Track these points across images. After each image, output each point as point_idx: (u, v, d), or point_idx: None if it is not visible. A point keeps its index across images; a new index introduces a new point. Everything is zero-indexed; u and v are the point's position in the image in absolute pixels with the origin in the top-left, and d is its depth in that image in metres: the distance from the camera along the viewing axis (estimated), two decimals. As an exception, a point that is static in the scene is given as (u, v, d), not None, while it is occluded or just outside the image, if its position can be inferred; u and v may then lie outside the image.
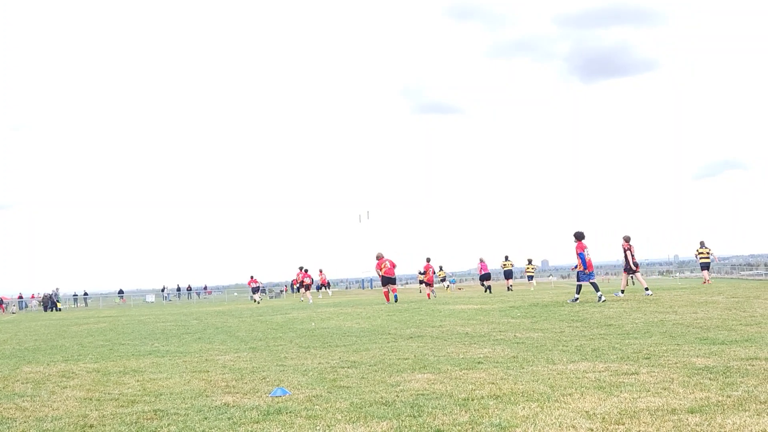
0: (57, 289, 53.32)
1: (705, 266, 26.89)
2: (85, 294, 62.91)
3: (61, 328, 18.75)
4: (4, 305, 51.54)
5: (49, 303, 48.95)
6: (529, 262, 40.20)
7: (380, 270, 22.11)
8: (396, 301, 20.94)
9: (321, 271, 40.54)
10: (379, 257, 22.33)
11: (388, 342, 10.07)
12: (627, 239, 18.53)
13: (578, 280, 16.82)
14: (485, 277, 33.16)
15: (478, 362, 7.47)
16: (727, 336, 8.69)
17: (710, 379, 5.75)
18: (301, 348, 9.90)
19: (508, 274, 35.90)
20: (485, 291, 31.16)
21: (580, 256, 16.62)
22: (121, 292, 63.65)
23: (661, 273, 72.40)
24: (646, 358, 7.13)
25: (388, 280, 22.01)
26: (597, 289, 16.26)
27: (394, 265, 22.36)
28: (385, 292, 22.12)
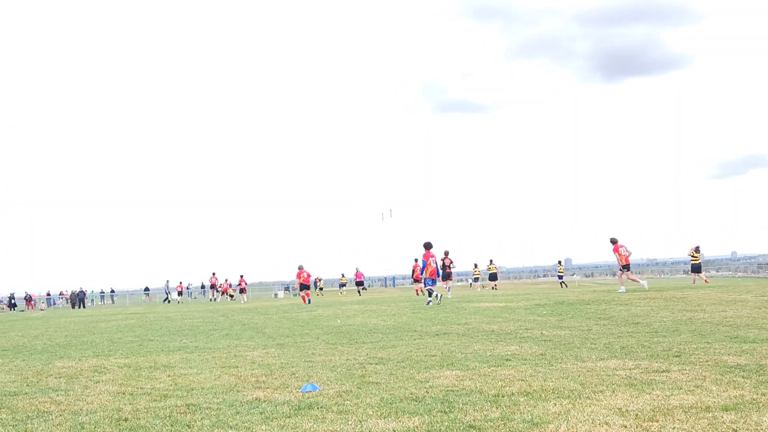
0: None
1: (696, 268, 27.53)
2: (112, 291, 63.99)
3: (90, 324, 19.04)
4: (32, 302, 52.41)
5: (77, 300, 49.66)
6: (475, 266, 45.33)
7: (299, 278, 28.43)
8: (309, 303, 26.01)
9: (220, 278, 44.19)
10: (300, 268, 28.41)
11: (415, 339, 10.08)
12: (446, 252, 24.76)
13: (425, 285, 19.38)
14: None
15: (506, 359, 7.46)
16: (758, 334, 8.59)
17: (743, 377, 5.70)
18: (329, 344, 9.95)
19: (493, 277, 42.52)
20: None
21: (423, 263, 19.45)
22: (147, 289, 64.38)
23: (685, 272, 71.51)
24: (677, 356, 7.07)
25: (304, 287, 28.26)
26: (430, 294, 18.63)
27: (309, 276, 29.38)
28: (302, 296, 27.73)
